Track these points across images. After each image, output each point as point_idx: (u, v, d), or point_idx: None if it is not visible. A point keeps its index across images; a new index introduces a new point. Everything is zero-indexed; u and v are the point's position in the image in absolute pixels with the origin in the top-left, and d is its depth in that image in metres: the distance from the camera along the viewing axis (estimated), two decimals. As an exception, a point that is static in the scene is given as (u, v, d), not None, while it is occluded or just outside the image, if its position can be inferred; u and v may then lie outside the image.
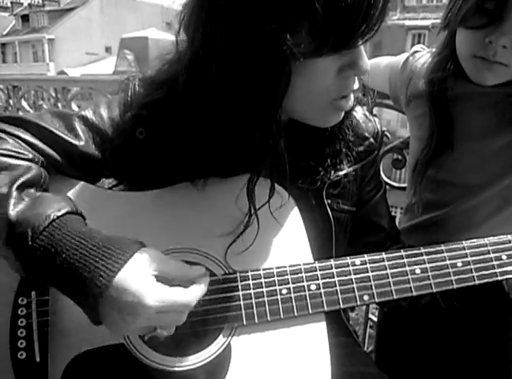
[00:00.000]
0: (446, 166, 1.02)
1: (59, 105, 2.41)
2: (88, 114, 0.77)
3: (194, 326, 0.71)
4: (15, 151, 0.68)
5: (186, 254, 0.72)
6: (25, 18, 38.31)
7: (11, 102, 2.75)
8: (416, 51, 1.10)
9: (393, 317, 1.22)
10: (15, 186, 0.63)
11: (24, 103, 2.77)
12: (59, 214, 0.61)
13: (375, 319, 1.54)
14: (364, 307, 1.70)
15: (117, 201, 0.76)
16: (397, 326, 1.20)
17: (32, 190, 0.65)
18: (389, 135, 1.41)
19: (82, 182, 0.76)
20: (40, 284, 0.69)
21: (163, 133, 0.73)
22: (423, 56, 1.07)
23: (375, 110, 1.46)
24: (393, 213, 0.99)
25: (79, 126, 0.75)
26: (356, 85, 0.71)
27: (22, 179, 0.64)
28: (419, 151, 1.05)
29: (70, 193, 0.74)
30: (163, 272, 0.61)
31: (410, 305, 0.94)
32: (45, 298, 0.70)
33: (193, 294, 0.62)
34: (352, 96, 0.72)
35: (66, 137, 0.73)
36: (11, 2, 43.50)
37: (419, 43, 21.04)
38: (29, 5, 39.68)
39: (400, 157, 1.39)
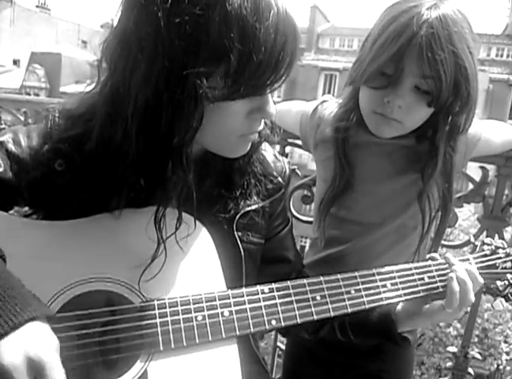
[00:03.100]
0: (346, 206, 1.13)
1: (-38, 121, 2.25)
2: (7, 141, 0.76)
3: (107, 354, 0.71)
4: None
5: (103, 283, 0.73)
6: None
7: None
8: (324, 101, 1.21)
9: (296, 347, 1.30)
10: None
11: None
12: None
13: (283, 347, 1.60)
14: (273, 336, 1.76)
15: (32, 230, 0.75)
16: (300, 356, 1.28)
17: None
18: (299, 173, 1.52)
19: None
20: None
21: (81, 166, 0.75)
22: (330, 105, 1.19)
23: (288, 148, 1.56)
24: (302, 243, 1.07)
25: None
26: (262, 126, 0.79)
27: None
28: (323, 191, 1.14)
29: None
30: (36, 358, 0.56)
31: (311, 335, 1.02)
32: None
33: None
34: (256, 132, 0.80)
35: None
36: None
37: (330, 82, 22.42)
38: None
39: (308, 193, 1.50)
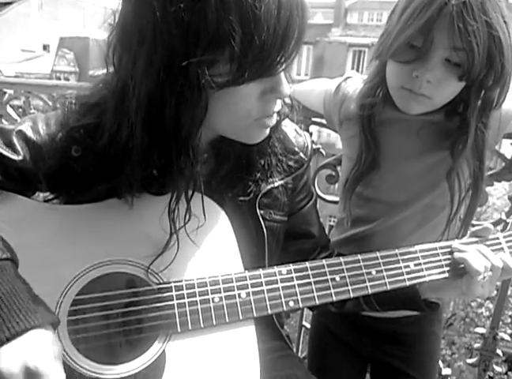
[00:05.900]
0: (372, 184, 1.10)
1: (-7, 107, 2.30)
2: (27, 130, 0.78)
3: (129, 334, 0.73)
4: None
5: (122, 265, 0.74)
6: (-45, 9, 35.95)
7: None
8: (348, 77, 1.18)
9: (320, 328, 1.30)
10: None
11: (-47, 103, 2.61)
12: None
13: (309, 326, 1.60)
14: (299, 314, 1.76)
15: (52, 215, 0.77)
16: (324, 337, 1.28)
17: None
18: (323, 152, 1.49)
19: (18, 195, 0.76)
20: None
21: (96, 153, 0.75)
22: (354, 82, 1.15)
23: (316, 127, 1.53)
24: (331, 222, 1.06)
25: (17, 141, 0.76)
26: (278, 106, 0.76)
27: None
28: (349, 169, 1.12)
29: (6, 206, 0.74)
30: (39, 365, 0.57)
31: (337, 308, 1.01)
32: None
33: None
34: (274, 115, 0.77)
35: (5, 152, 0.74)
36: None
37: (359, 59, 21.91)
38: (-40, -5, 37.30)
39: (333, 173, 1.48)
